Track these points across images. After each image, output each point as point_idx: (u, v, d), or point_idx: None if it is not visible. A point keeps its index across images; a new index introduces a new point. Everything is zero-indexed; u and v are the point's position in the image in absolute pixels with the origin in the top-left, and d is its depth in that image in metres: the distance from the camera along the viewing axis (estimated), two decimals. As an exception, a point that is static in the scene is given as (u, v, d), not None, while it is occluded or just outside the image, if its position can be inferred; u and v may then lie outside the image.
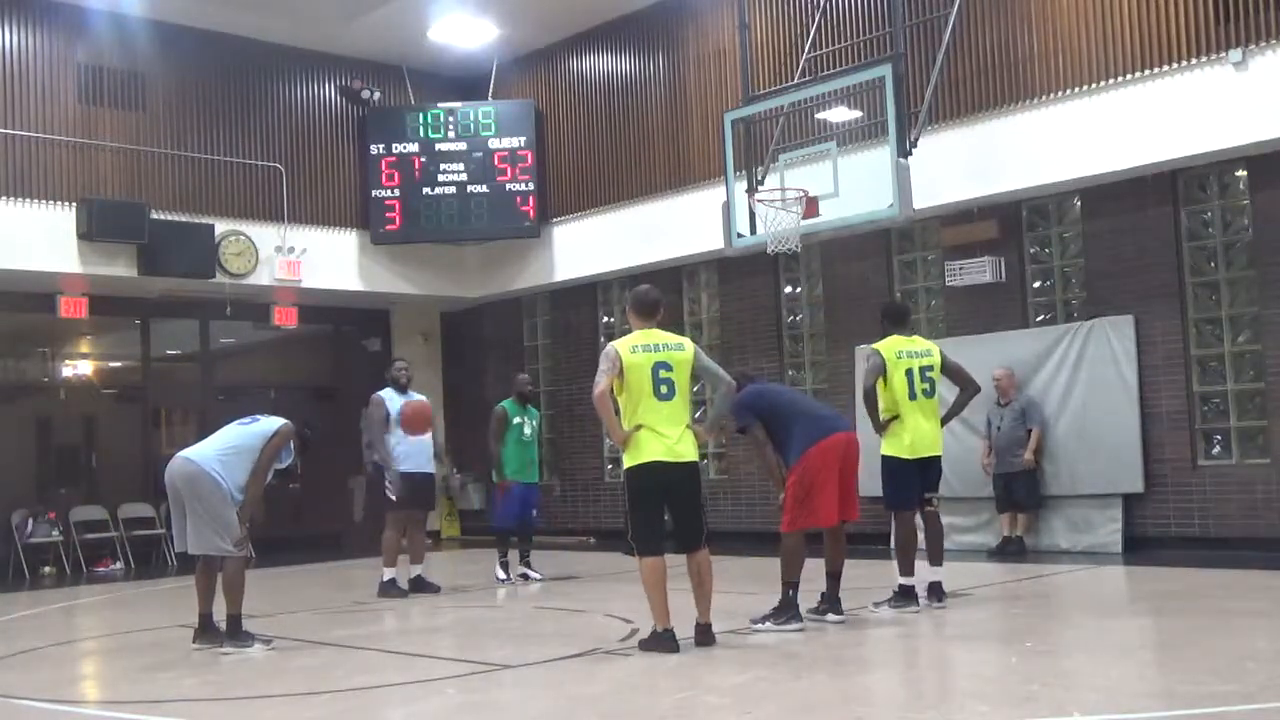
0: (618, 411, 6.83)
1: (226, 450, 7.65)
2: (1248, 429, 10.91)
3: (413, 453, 10.37)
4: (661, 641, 6.69)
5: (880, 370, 8.19)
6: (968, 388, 8.53)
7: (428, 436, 10.54)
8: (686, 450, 6.84)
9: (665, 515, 6.91)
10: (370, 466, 10.97)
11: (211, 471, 7.52)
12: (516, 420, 11.08)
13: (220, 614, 7.69)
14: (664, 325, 7.26)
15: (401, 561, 10.50)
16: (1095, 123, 11.04)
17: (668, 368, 6.82)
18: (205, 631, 7.72)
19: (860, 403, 8.62)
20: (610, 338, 15.89)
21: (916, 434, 8.16)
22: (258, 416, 7.90)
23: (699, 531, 6.92)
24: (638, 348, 6.83)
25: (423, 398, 10.81)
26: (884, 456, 8.24)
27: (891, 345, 8.28)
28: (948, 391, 8.65)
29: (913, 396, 8.17)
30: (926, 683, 6.40)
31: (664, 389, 6.78)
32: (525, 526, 11.28)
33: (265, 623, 8.22)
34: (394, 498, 10.35)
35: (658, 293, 7.21)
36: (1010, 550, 11.45)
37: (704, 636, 6.82)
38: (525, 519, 11.18)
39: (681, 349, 6.96)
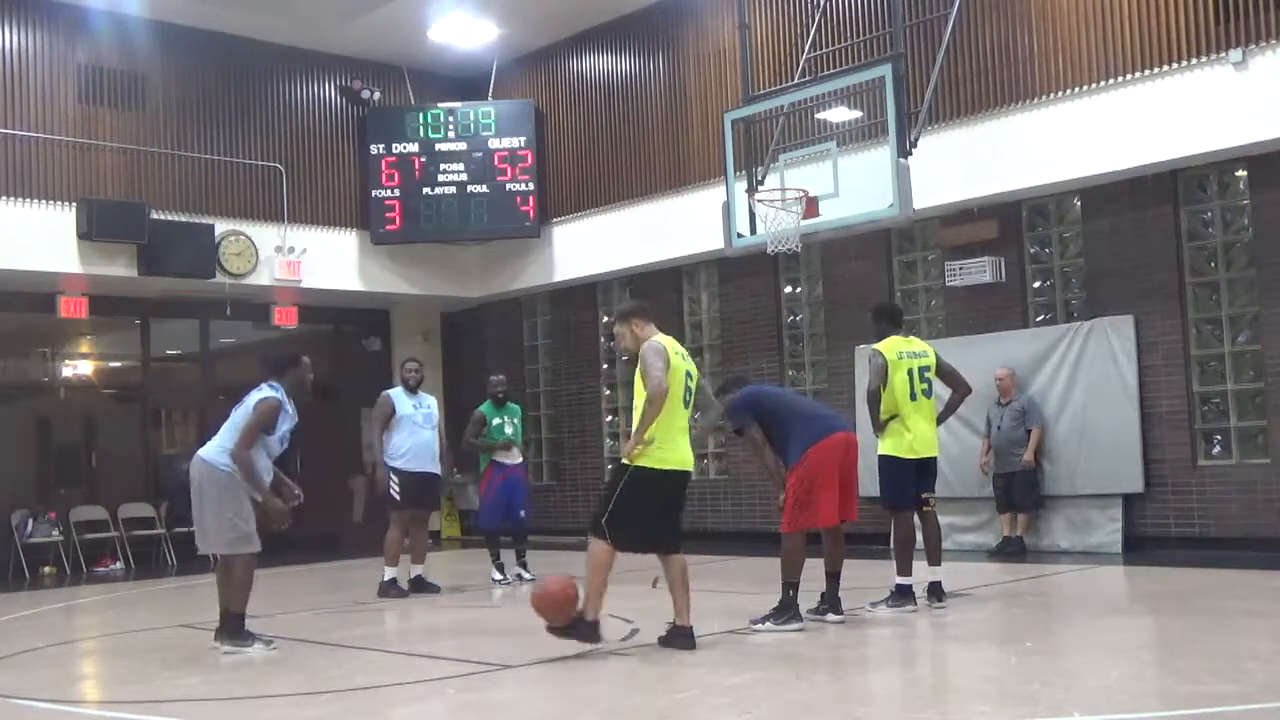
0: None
1: (232, 436, 7.55)
2: (1248, 429, 10.91)
3: (415, 453, 10.38)
4: (587, 630, 6.71)
5: (884, 371, 8.19)
6: (959, 388, 8.56)
7: (432, 437, 10.54)
8: (692, 458, 7.02)
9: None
10: (370, 467, 10.97)
11: (221, 467, 7.45)
12: (496, 421, 11.09)
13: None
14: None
15: (402, 561, 10.50)
16: (1095, 123, 11.04)
17: (690, 378, 6.98)
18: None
19: (859, 403, 8.63)
20: (610, 338, 15.91)
21: (917, 434, 8.17)
22: (250, 395, 7.65)
23: (679, 535, 7.03)
24: (678, 353, 6.94)
25: (431, 399, 10.79)
26: (882, 456, 8.24)
27: (892, 346, 8.29)
28: (941, 392, 8.66)
29: (913, 397, 8.18)
30: (926, 683, 6.40)
31: (688, 397, 6.94)
32: (517, 527, 11.25)
33: (265, 623, 8.21)
34: (398, 497, 10.36)
35: None
36: (1010, 550, 11.44)
37: (687, 640, 6.82)
38: (515, 518, 11.15)
39: (695, 365, 7.16)
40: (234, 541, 7.46)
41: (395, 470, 10.36)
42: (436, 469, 10.57)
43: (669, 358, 6.79)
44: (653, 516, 6.81)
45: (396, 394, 10.58)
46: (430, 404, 10.69)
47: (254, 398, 7.58)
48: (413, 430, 10.41)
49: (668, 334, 7.16)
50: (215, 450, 7.54)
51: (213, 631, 7.79)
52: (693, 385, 6.97)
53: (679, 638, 6.81)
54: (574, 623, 6.74)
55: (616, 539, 6.74)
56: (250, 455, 7.40)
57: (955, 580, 8.78)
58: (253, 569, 7.57)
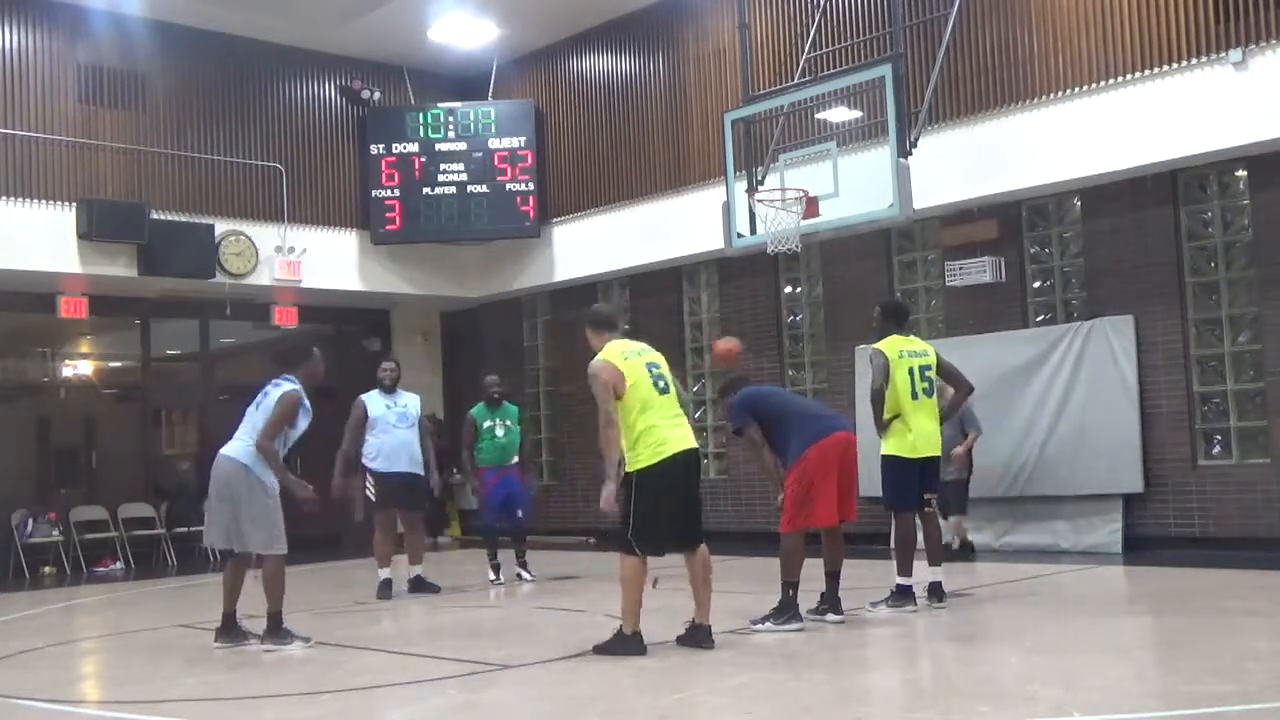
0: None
1: (253, 432, 7.56)
2: (1248, 429, 10.91)
3: (389, 453, 10.30)
4: (630, 644, 6.70)
5: (886, 370, 8.19)
6: (961, 388, 8.57)
7: (409, 436, 10.44)
8: (692, 438, 6.91)
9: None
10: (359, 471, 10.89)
11: (253, 467, 7.49)
12: (487, 424, 11.00)
13: (241, 613, 7.75)
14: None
15: (399, 561, 10.50)
16: (1095, 123, 11.04)
17: (657, 367, 6.92)
18: (228, 630, 7.71)
19: (859, 403, 8.63)
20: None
21: (919, 433, 8.16)
22: (268, 390, 7.70)
23: (701, 526, 6.96)
24: (628, 353, 6.86)
25: (411, 397, 10.70)
26: (885, 456, 8.23)
27: (893, 345, 8.28)
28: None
29: (914, 396, 8.18)
30: (926, 683, 6.40)
31: (661, 384, 6.84)
32: (516, 527, 11.22)
33: (264, 622, 8.20)
34: (373, 498, 10.32)
35: (614, 306, 7.29)
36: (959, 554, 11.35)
37: (706, 639, 6.82)
38: (514, 518, 11.12)
39: (656, 352, 7.07)
40: (270, 541, 7.52)
41: (371, 472, 10.32)
42: (415, 468, 10.42)
43: (614, 370, 6.72)
44: (672, 512, 6.77)
45: (369, 396, 10.47)
46: (407, 403, 10.52)
47: (276, 392, 7.60)
48: (386, 431, 10.31)
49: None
50: (243, 449, 7.55)
51: (213, 632, 7.81)
52: (663, 374, 6.90)
53: (699, 635, 6.81)
54: (615, 639, 6.75)
55: (645, 548, 6.73)
56: (274, 446, 7.48)
57: (955, 580, 8.78)
58: (283, 567, 7.61)
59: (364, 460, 10.35)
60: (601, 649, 6.79)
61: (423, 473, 10.50)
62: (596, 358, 6.85)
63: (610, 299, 15.84)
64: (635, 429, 6.71)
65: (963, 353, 10.64)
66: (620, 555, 6.79)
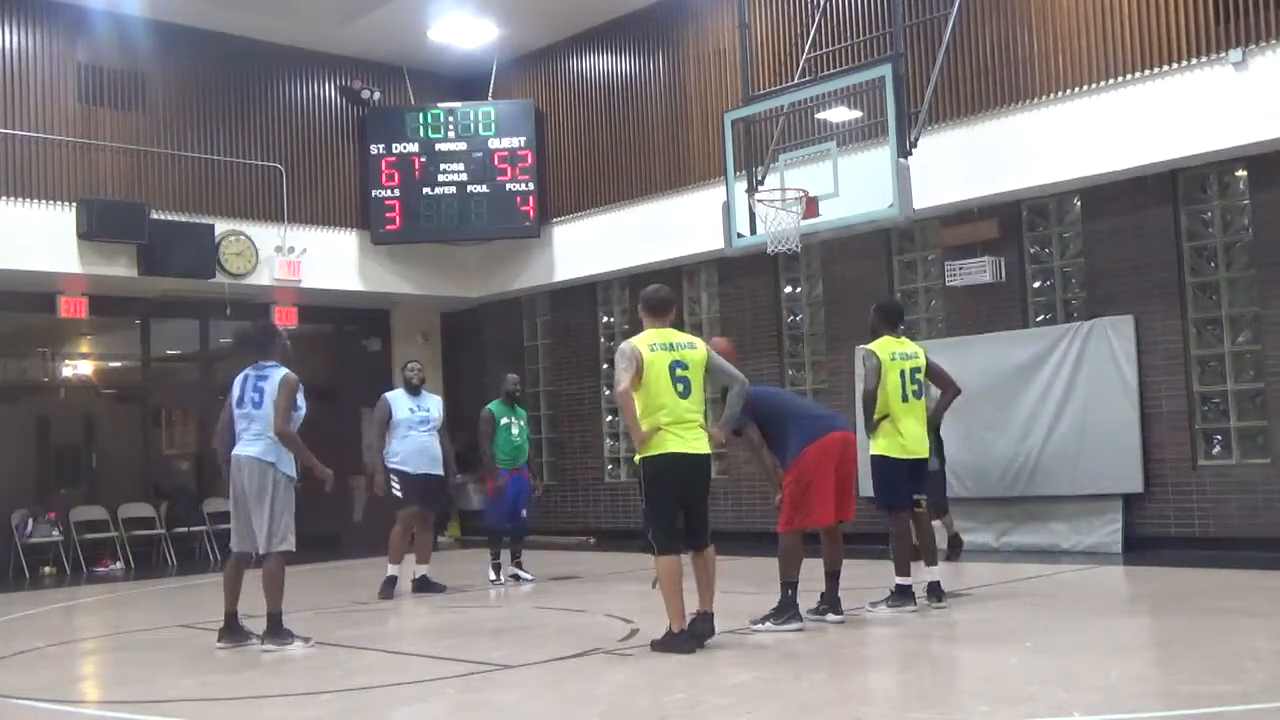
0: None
1: (272, 434, 7.57)
2: (1248, 429, 10.91)
3: (412, 456, 10.35)
4: (678, 642, 6.70)
5: (879, 371, 8.19)
6: (949, 390, 8.58)
7: (429, 440, 10.51)
8: (702, 445, 6.91)
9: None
10: (369, 469, 10.94)
11: (279, 464, 7.52)
12: (504, 421, 11.04)
13: (241, 613, 7.76)
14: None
15: (404, 561, 10.50)
16: (1095, 123, 11.04)
17: (683, 366, 6.87)
18: (231, 630, 7.71)
19: (858, 402, 8.63)
20: (610, 338, 15.94)
21: (909, 435, 8.17)
22: (259, 383, 7.67)
23: (707, 528, 6.98)
24: (655, 346, 6.86)
25: (434, 399, 10.76)
26: (875, 456, 8.22)
27: (885, 347, 8.29)
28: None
29: (904, 398, 8.19)
30: (926, 683, 6.39)
31: (680, 387, 6.82)
32: (517, 527, 11.23)
33: (264, 622, 8.20)
34: (400, 495, 10.33)
35: (668, 291, 7.22)
36: None
37: (706, 626, 6.83)
38: (516, 518, 11.13)
39: (694, 348, 6.99)
40: (284, 539, 7.55)
41: (396, 471, 10.36)
42: (437, 470, 10.52)
43: (638, 357, 6.76)
44: (677, 508, 6.82)
45: (395, 397, 10.54)
46: (430, 406, 10.63)
47: (270, 383, 7.58)
48: (408, 434, 10.38)
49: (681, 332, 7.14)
50: (266, 448, 7.54)
51: (215, 632, 7.81)
52: (690, 374, 6.85)
53: (699, 623, 6.83)
54: (665, 637, 6.76)
55: (665, 548, 6.75)
56: (293, 430, 7.52)
57: (955, 580, 8.78)
58: (284, 566, 7.64)
59: (387, 461, 10.39)
60: (656, 646, 6.81)
61: (442, 473, 10.58)
62: (624, 345, 6.92)
63: (611, 299, 15.88)
64: (643, 423, 6.77)
65: (962, 353, 10.66)
66: (654, 559, 6.82)
